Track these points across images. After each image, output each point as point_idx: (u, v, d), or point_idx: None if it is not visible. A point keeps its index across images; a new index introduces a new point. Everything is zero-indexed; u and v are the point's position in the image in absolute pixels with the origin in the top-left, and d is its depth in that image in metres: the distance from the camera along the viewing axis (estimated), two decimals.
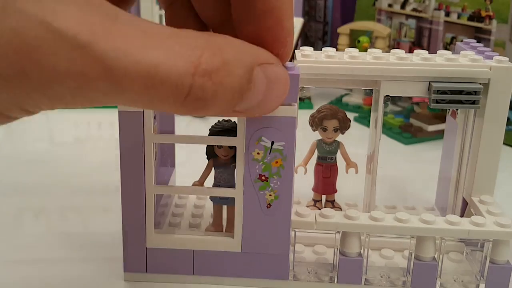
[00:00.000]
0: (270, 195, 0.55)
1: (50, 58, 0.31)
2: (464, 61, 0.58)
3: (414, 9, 1.18)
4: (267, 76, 0.42)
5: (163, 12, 1.40)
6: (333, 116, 0.63)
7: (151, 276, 0.59)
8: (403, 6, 1.21)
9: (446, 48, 1.12)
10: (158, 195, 0.61)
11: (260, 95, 0.42)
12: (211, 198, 0.62)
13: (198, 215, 0.66)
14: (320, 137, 0.65)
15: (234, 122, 0.56)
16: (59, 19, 0.31)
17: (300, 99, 0.68)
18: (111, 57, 0.32)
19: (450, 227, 0.56)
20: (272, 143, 0.53)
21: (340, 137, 0.65)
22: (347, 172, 0.67)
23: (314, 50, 0.60)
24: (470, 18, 1.06)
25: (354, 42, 1.16)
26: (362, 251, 0.58)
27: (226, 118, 0.59)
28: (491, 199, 0.61)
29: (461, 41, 0.68)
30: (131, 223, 0.57)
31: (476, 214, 0.60)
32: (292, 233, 0.57)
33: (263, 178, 0.54)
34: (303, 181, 0.67)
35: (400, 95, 0.60)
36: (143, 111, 0.54)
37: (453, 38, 1.10)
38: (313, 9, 1.48)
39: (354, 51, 0.59)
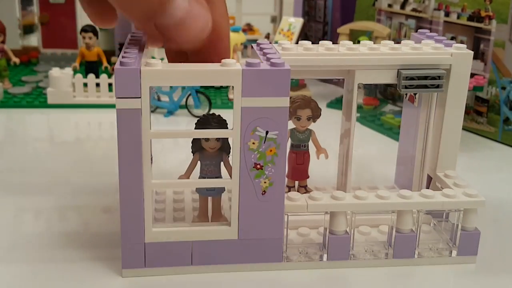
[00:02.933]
0: (265, 182, 0.58)
1: None
2: (428, 49, 0.64)
3: (413, 9, 1.18)
4: (188, 8, 0.50)
5: None
6: (306, 106, 0.66)
7: (150, 270, 0.60)
8: (402, 6, 1.21)
9: None
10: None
11: (177, 15, 0.49)
12: (198, 190, 0.64)
13: (180, 209, 0.68)
14: (293, 126, 0.68)
15: (219, 115, 0.61)
16: None
17: None
18: None
19: (426, 200, 0.62)
20: (267, 132, 0.56)
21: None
22: (318, 158, 0.71)
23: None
24: (470, 18, 1.06)
25: (354, 42, 1.16)
26: (347, 229, 0.62)
27: (211, 112, 0.62)
28: (454, 173, 0.67)
29: (416, 31, 0.73)
30: (129, 219, 0.58)
31: (442, 187, 0.66)
32: (285, 217, 0.60)
33: (258, 166, 0.57)
34: None
35: (372, 83, 0.66)
36: (141, 108, 0.54)
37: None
38: (313, 9, 1.48)
39: (328, 44, 0.64)
